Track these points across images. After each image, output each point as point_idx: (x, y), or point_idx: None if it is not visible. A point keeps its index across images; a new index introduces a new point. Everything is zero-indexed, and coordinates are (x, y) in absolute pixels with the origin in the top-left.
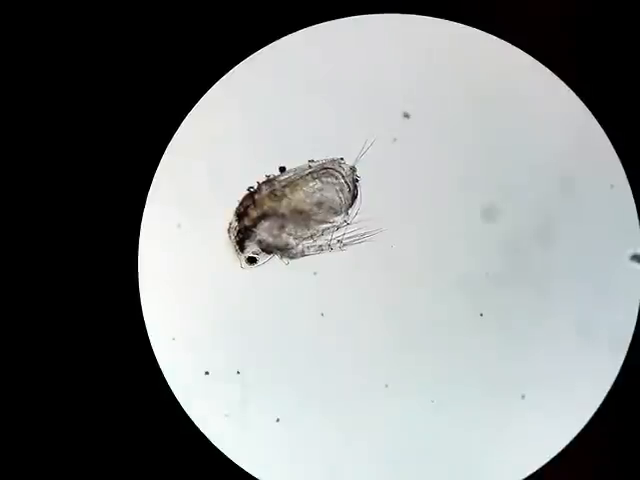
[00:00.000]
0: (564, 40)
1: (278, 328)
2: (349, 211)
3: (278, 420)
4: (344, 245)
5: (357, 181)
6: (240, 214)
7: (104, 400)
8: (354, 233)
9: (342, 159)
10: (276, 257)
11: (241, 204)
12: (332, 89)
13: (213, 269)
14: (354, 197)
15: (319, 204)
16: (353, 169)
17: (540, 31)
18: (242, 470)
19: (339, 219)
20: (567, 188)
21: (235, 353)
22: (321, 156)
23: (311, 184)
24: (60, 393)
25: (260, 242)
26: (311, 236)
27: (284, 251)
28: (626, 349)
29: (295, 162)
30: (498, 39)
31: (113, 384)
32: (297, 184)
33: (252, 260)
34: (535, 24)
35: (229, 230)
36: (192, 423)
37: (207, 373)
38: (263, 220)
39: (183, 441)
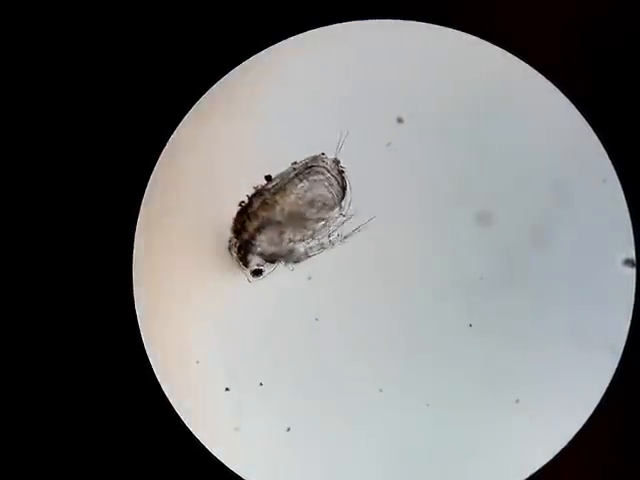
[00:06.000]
0: (555, 44)
1: (272, 334)
2: (342, 203)
3: (289, 430)
4: (344, 238)
5: (343, 172)
6: (237, 230)
7: (104, 419)
8: (351, 226)
9: (323, 154)
10: (281, 264)
11: (236, 220)
12: (325, 94)
13: (207, 280)
14: (344, 189)
15: (311, 203)
16: (336, 161)
17: (531, 36)
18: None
19: (334, 213)
20: (560, 191)
21: (230, 363)
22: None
23: (299, 185)
24: (55, 413)
25: (262, 253)
26: (311, 235)
27: (288, 257)
28: (620, 353)
29: (286, 167)
30: (491, 44)
31: (114, 404)
32: (286, 189)
33: (258, 272)
34: (527, 29)
35: (230, 248)
36: (198, 441)
37: (227, 389)
38: (261, 231)
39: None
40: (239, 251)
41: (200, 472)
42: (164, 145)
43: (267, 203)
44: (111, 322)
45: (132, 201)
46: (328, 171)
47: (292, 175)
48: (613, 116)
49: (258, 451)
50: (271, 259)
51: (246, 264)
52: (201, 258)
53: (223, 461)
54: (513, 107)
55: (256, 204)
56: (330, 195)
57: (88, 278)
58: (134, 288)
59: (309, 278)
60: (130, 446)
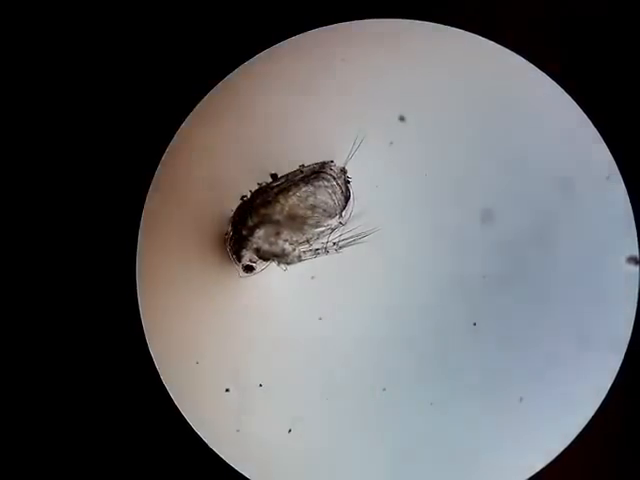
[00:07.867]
0: (556, 43)
1: (274, 334)
2: (343, 213)
3: (290, 431)
4: (340, 247)
5: (349, 182)
6: (235, 223)
7: (107, 419)
8: (350, 235)
9: (332, 161)
10: (274, 264)
11: (236, 214)
12: (327, 93)
13: (208, 280)
14: (347, 199)
15: (313, 208)
16: (344, 170)
17: (532, 34)
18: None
19: (334, 221)
20: (563, 189)
21: (233, 364)
22: (316, 161)
23: (303, 189)
24: (59, 412)
25: (257, 250)
26: (307, 240)
27: (281, 257)
28: (624, 352)
29: (289, 168)
30: (493, 42)
31: (118, 404)
32: (289, 190)
33: (249, 268)
34: (528, 28)
35: (225, 240)
36: (202, 441)
37: (228, 390)
38: (258, 228)
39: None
40: (234, 245)
41: (202, 472)
42: (166, 147)
43: (269, 201)
44: (115, 323)
45: (134, 202)
46: (334, 179)
47: (298, 178)
48: (616, 114)
49: (260, 453)
50: (264, 257)
51: (239, 259)
52: (203, 258)
53: (227, 460)
54: (515, 105)
55: (258, 200)
56: (332, 203)
57: (91, 279)
58: (137, 289)
59: (312, 277)
60: (133, 445)
